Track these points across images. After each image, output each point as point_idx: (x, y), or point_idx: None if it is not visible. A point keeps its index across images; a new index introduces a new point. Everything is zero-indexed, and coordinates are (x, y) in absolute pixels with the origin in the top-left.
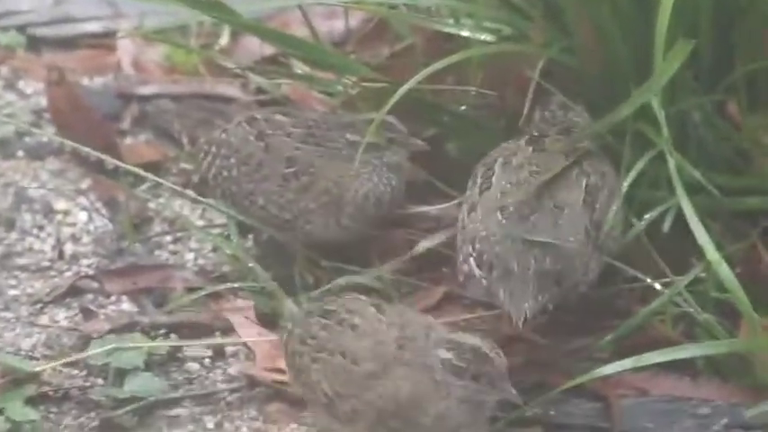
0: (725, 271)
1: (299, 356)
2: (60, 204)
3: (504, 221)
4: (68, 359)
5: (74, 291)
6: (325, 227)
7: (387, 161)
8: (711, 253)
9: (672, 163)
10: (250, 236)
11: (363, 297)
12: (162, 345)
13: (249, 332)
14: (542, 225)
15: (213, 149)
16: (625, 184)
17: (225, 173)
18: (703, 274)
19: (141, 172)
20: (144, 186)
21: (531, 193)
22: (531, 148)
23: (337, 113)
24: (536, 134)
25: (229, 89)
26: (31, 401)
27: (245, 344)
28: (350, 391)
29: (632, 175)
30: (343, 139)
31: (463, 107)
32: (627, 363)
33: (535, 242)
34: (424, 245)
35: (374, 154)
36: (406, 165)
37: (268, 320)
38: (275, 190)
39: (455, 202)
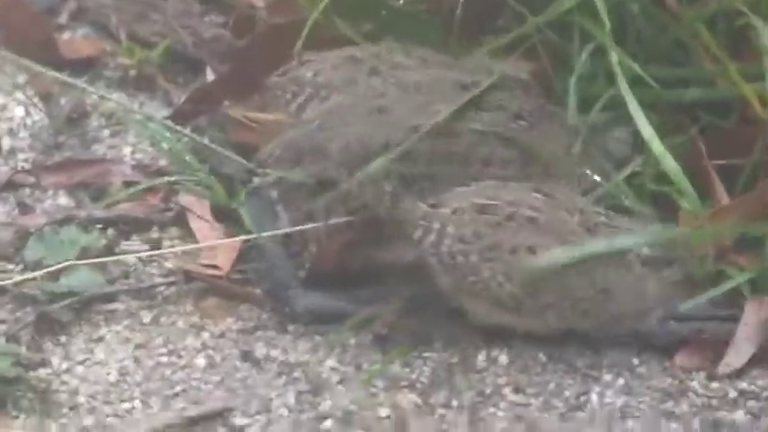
0: (669, 162)
1: (460, 256)
2: None
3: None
4: (4, 253)
5: (10, 185)
6: None
7: None
8: (656, 144)
9: (613, 55)
10: (188, 129)
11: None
12: (99, 239)
13: (200, 225)
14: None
15: (308, 90)
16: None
17: None
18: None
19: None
20: (82, 80)
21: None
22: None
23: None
24: None
25: None
26: None
27: (181, 238)
28: (545, 287)
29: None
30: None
31: (401, 1)
32: (564, 255)
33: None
34: None
35: None
36: None
37: (222, 214)
38: None
39: None
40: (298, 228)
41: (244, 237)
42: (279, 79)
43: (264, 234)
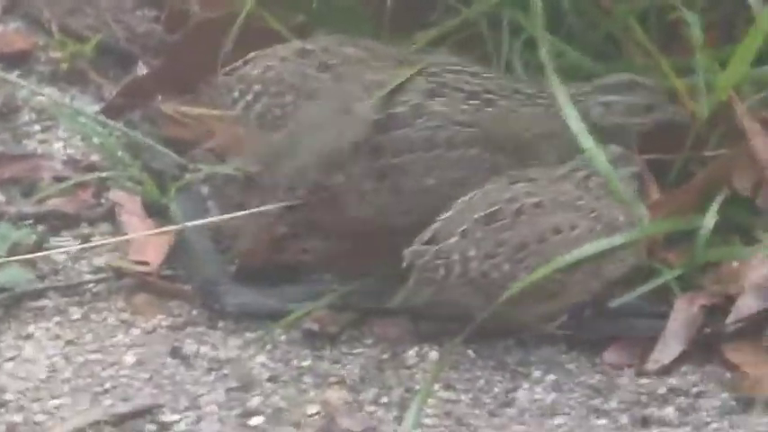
0: (599, 157)
1: (494, 272)
2: None
3: None
4: None
5: None
6: None
7: None
8: (586, 140)
9: (542, 48)
10: (120, 123)
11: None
12: (29, 235)
13: (130, 221)
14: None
15: (257, 87)
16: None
17: (277, 111)
18: None
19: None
20: (14, 74)
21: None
22: None
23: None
24: None
25: None
26: None
27: (112, 234)
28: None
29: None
30: None
31: None
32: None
33: None
34: None
35: None
36: None
37: (153, 210)
38: None
39: None
40: (225, 218)
41: (170, 228)
42: (226, 78)
43: (192, 226)
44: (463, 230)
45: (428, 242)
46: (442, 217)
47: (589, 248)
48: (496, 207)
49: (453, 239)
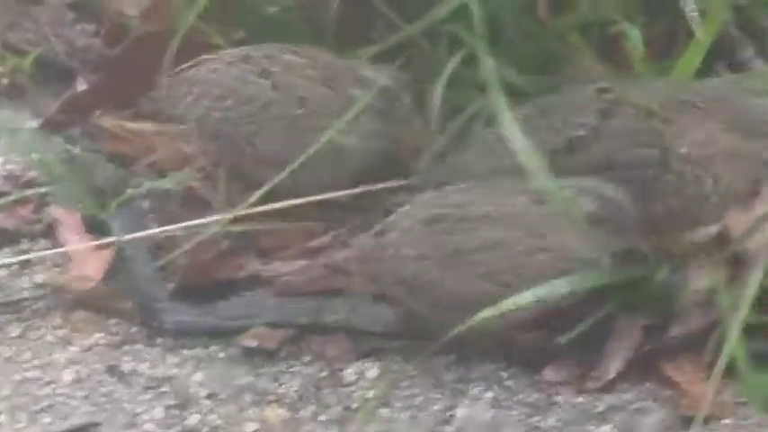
0: (541, 177)
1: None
2: None
3: None
4: None
5: None
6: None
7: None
8: (526, 155)
9: (486, 63)
10: (60, 139)
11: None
12: None
13: (70, 237)
14: None
15: (197, 90)
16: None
17: (217, 114)
18: None
19: None
20: None
21: None
22: None
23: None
24: None
25: None
26: None
27: (50, 250)
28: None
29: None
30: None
31: (273, 9)
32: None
33: None
34: None
35: None
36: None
37: (93, 226)
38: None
39: None
40: (163, 230)
41: (109, 240)
42: (170, 79)
43: (132, 242)
44: (404, 228)
45: (378, 233)
46: (400, 210)
47: (533, 294)
48: (443, 210)
49: (394, 234)
